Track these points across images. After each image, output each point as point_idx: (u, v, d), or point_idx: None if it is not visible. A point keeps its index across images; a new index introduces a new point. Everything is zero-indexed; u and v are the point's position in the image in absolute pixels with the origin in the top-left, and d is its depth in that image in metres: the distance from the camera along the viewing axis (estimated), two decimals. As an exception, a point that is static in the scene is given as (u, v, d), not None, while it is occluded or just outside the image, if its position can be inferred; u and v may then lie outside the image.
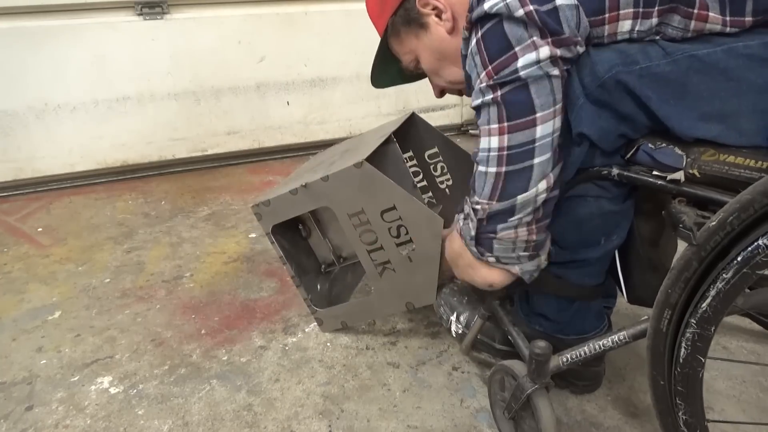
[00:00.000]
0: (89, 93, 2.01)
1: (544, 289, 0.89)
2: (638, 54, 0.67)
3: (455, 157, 1.29)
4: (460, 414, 0.96)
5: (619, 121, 0.70)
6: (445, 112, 2.63)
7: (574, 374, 0.96)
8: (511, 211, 0.73)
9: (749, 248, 0.54)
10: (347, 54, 2.29)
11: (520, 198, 0.71)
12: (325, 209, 1.13)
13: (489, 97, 0.70)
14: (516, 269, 0.79)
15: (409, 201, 0.93)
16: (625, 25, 0.68)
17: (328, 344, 1.16)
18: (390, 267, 1.01)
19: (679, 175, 0.68)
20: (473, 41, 0.71)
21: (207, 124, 2.22)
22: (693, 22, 0.66)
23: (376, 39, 0.99)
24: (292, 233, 1.21)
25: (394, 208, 0.94)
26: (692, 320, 0.59)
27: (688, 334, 0.59)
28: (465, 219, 0.80)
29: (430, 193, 1.35)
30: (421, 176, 1.33)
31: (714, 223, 0.56)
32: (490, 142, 0.71)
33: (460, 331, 1.02)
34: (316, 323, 1.20)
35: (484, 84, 0.70)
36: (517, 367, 0.84)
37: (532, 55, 0.65)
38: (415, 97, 2.50)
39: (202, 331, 1.21)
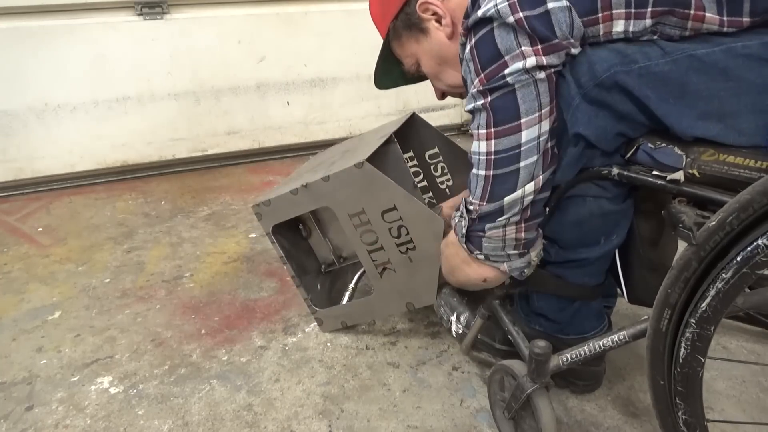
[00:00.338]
0: (89, 93, 2.01)
1: (544, 289, 0.90)
2: (637, 53, 0.67)
3: (455, 157, 1.29)
4: (460, 414, 0.97)
5: (617, 120, 0.70)
6: (445, 112, 2.63)
7: (574, 374, 0.96)
8: (499, 212, 0.76)
9: (748, 248, 0.54)
10: (347, 54, 2.29)
11: (507, 200, 0.74)
12: (326, 209, 1.13)
13: (480, 102, 0.72)
14: (504, 267, 0.81)
15: (410, 201, 0.93)
16: (618, 25, 0.68)
17: (328, 344, 1.16)
18: (390, 267, 1.01)
19: (679, 175, 0.68)
20: (468, 48, 0.73)
21: (207, 124, 2.22)
22: (690, 22, 0.66)
23: (376, 39, 0.99)
24: (293, 233, 1.21)
25: (394, 208, 0.94)
26: (692, 320, 0.59)
27: (687, 334, 0.59)
28: (460, 216, 0.83)
29: (431, 194, 1.35)
30: (421, 176, 1.34)
31: (713, 223, 0.56)
32: (480, 146, 0.75)
33: (460, 331, 1.02)
34: (316, 323, 1.20)
35: (476, 90, 0.72)
36: (517, 366, 0.84)
37: (519, 63, 0.68)
38: (415, 97, 2.50)
39: (202, 331, 1.21)
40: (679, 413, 0.64)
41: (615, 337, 0.77)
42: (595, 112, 0.70)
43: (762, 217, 0.54)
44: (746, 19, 0.65)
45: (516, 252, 0.79)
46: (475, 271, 0.84)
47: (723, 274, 0.56)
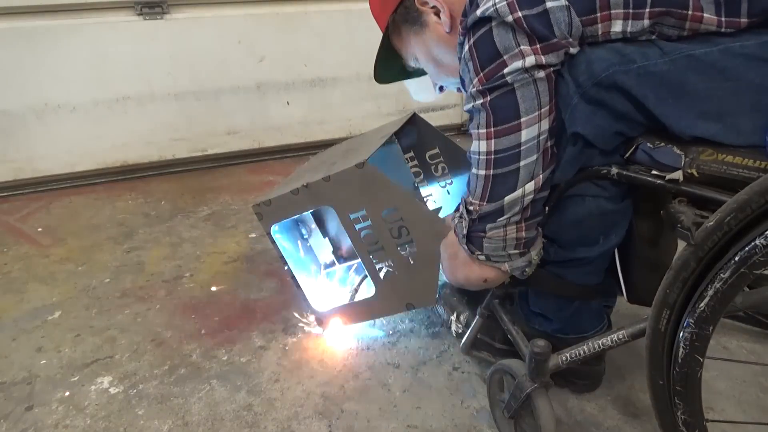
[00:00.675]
0: (89, 93, 2.01)
1: (543, 289, 0.90)
2: (635, 53, 0.67)
3: (456, 157, 1.29)
4: (460, 414, 0.97)
5: (615, 119, 0.70)
6: (445, 112, 2.63)
7: (573, 373, 0.96)
8: (500, 212, 0.76)
9: (746, 248, 0.54)
10: (347, 54, 2.29)
11: (507, 199, 0.74)
12: (326, 209, 1.13)
13: (479, 102, 0.72)
14: (505, 266, 0.81)
15: (411, 202, 0.93)
16: (616, 25, 0.68)
17: (328, 344, 1.16)
18: (391, 268, 1.02)
19: (678, 175, 0.68)
20: (466, 47, 0.73)
21: (207, 124, 2.22)
22: (688, 23, 0.66)
23: (376, 39, 0.99)
24: (293, 233, 1.22)
25: (395, 208, 0.94)
26: (690, 320, 0.59)
27: (686, 334, 0.60)
28: (460, 218, 0.82)
29: (431, 194, 1.35)
30: (422, 176, 1.34)
31: (712, 223, 0.57)
32: (479, 146, 0.75)
33: (460, 331, 1.02)
34: (316, 323, 1.20)
35: (475, 89, 0.72)
36: (517, 366, 0.84)
37: (519, 63, 0.68)
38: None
39: (202, 331, 1.21)
40: (679, 413, 0.64)
41: (614, 336, 0.77)
42: (594, 111, 0.70)
43: (760, 217, 0.54)
44: (744, 20, 0.65)
45: (517, 252, 0.79)
46: (476, 272, 0.84)
47: (721, 274, 0.56)
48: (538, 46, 0.67)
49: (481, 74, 0.71)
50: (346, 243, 1.24)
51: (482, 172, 0.75)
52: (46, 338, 1.20)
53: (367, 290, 1.17)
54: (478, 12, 0.69)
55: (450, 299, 1.05)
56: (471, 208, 0.79)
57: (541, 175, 0.74)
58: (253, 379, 1.06)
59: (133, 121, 2.10)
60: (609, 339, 0.77)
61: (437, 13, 0.88)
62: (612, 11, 0.67)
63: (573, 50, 0.69)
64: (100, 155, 2.11)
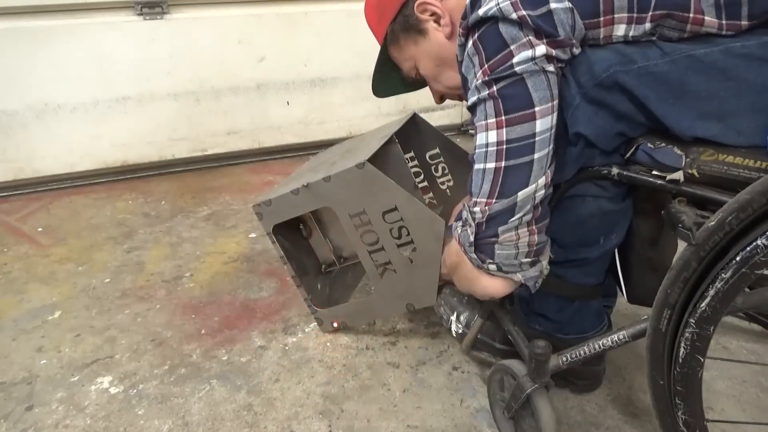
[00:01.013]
0: (89, 93, 2.01)
1: (543, 289, 0.89)
2: (636, 54, 0.67)
3: (456, 157, 1.29)
4: (460, 414, 0.97)
5: (616, 120, 0.70)
6: (445, 112, 2.63)
7: (574, 373, 0.96)
8: (511, 210, 0.71)
9: (748, 248, 0.54)
10: (347, 54, 2.29)
11: (521, 194, 0.70)
12: (326, 209, 1.13)
13: (485, 93, 0.70)
14: (518, 277, 0.76)
15: (411, 202, 0.93)
16: (619, 29, 0.68)
17: (328, 344, 1.16)
18: (391, 268, 1.02)
19: (679, 175, 0.68)
20: (470, 44, 0.71)
21: (207, 124, 2.22)
22: (689, 26, 0.66)
23: (376, 40, 0.99)
24: (293, 233, 1.21)
25: (395, 208, 0.94)
26: (691, 320, 0.59)
27: (687, 334, 0.60)
28: (463, 225, 0.78)
29: (431, 194, 1.35)
30: (422, 177, 1.34)
31: (713, 223, 0.57)
32: (488, 137, 0.70)
33: (460, 331, 1.02)
34: (316, 323, 1.20)
35: (479, 81, 0.70)
36: (517, 366, 0.84)
37: (528, 52, 0.66)
38: (415, 97, 2.46)
39: (202, 331, 1.21)
40: (679, 413, 0.64)
41: (615, 336, 0.77)
42: (595, 111, 0.70)
43: (761, 217, 0.54)
44: (744, 22, 0.65)
45: (528, 260, 0.75)
46: (481, 286, 0.79)
47: (722, 274, 0.56)
48: (545, 40, 0.66)
49: (486, 65, 0.68)
50: (347, 243, 1.24)
51: (491, 165, 0.70)
52: (46, 338, 1.20)
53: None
54: (480, 12, 0.68)
55: (450, 299, 1.05)
56: (477, 209, 0.73)
57: (549, 171, 0.71)
58: (253, 379, 1.06)
59: (133, 121, 2.10)
60: (609, 339, 0.77)
61: (437, 20, 0.87)
62: (615, 15, 0.67)
63: (576, 50, 0.69)
64: (100, 155, 2.11)
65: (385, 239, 0.98)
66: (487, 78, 0.69)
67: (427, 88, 1.03)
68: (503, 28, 0.67)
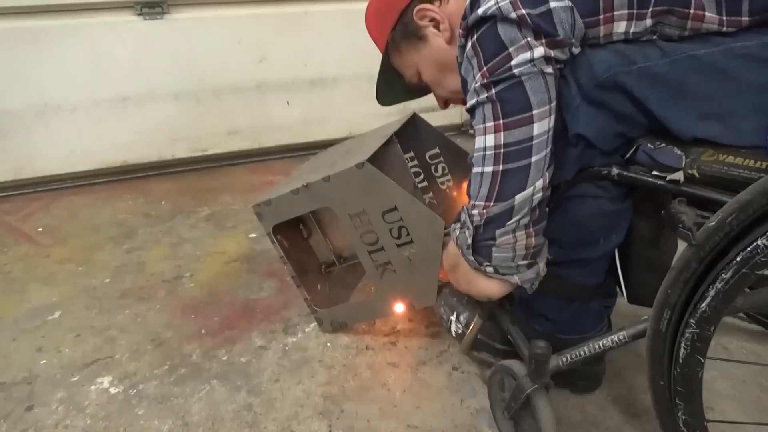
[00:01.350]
0: (89, 93, 2.01)
1: (543, 289, 0.89)
2: (636, 54, 0.67)
3: (456, 157, 1.29)
4: (460, 414, 0.97)
5: (616, 120, 0.70)
6: (445, 112, 2.59)
7: (574, 374, 0.96)
8: (509, 213, 0.72)
9: (748, 248, 0.54)
10: (347, 54, 2.29)
11: (519, 197, 0.71)
12: (326, 209, 1.13)
13: (483, 96, 0.70)
14: (515, 279, 0.78)
15: (411, 202, 0.93)
16: (620, 26, 0.68)
17: (328, 344, 1.16)
18: (391, 268, 1.02)
19: (679, 175, 0.68)
20: (469, 45, 0.71)
21: (207, 124, 2.22)
22: (690, 22, 0.66)
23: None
24: (293, 233, 1.21)
25: (395, 208, 0.94)
26: (691, 320, 0.59)
27: (687, 335, 0.60)
28: (461, 228, 0.79)
29: (431, 194, 1.35)
30: (422, 177, 1.34)
31: (713, 223, 0.56)
32: (486, 140, 0.71)
33: (460, 331, 1.02)
34: (316, 323, 1.20)
35: (478, 84, 0.70)
36: (517, 366, 0.84)
37: (527, 54, 0.66)
38: (415, 97, 2.50)
39: (202, 331, 1.21)
40: (679, 413, 0.64)
41: (615, 337, 0.77)
42: (596, 112, 0.70)
43: (762, 217, 0.54)
44: (745, 19, 0.65)
45: (525, 263, 0.76)
46: (479, 287, 0.80)
47: (723, 275, 0.56)
48: (544, 40, 0.66)
49: (485, 68, 0.68)
50: (346, 243, 1.24)
51: (489, 169, 0.71)
52: (46, 338, 1.20)
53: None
54: (480, 11, 0.68)
55: (450, 299, 1.05)
56: (476, 212, 0.74)
57: (546, 174, 0.72)
58: (253, 379, 1.06)
59: (133, 121, 2.10)
60: (610, 340, 0.77)
61: (437, 26, 0.88)
62: (616, 12, 0.67)
63: (575, 50, 0.69)
64: (100, 155, 2.11)
65: (384, 239, 0.98)
66: (485, 80, 0.69)
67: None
68: (502, 29, 0.67)
